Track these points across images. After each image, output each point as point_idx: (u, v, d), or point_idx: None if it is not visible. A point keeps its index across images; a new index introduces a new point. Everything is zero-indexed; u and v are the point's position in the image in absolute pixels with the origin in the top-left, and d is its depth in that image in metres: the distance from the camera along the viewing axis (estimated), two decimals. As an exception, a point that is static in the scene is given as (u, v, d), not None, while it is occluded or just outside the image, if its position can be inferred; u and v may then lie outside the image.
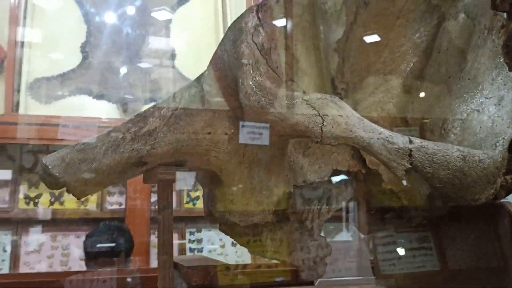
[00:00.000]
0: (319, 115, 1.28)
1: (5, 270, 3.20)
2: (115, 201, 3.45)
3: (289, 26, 1.41)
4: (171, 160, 1.41)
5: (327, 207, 1.60)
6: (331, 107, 1.28)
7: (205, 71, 1.42)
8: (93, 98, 3.34)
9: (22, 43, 3.35)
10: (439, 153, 1.21)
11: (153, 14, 3.58)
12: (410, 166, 1.24)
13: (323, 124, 1.27)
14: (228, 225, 1.51)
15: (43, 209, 3.32)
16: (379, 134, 1.26)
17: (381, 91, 1.56)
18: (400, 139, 1.24)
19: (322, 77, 1.49)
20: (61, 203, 3.37)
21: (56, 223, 3.36)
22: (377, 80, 1.54)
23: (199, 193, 3.60)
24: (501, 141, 1.31)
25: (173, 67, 3.62)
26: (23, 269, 3.21)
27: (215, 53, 1.40)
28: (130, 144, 1.33)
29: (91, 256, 2.54)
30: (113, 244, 2.59)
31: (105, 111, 3.34)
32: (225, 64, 1.36)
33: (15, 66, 3.28)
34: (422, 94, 1.49)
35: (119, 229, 2.60)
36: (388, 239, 1.84)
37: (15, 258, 3.27)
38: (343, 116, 1.27)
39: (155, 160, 1.37)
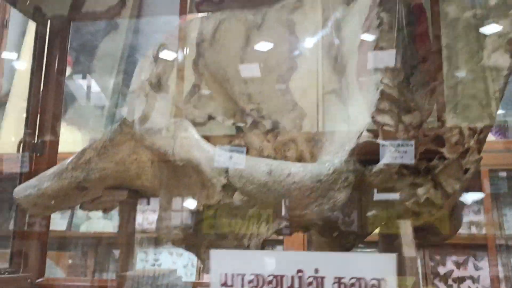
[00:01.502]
0: (172, 138, 1.40)
1: (192, 282, 3.70)
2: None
3: (182, 58, 1.55)
4: (111, 184, 1.69)
5: (267, 225, 1.63)
6: (180, 129, 1.39)
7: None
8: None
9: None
10: (248, 168, 1.21)
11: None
12: (226, 181, 1.26)
13: (174, 147, 1.39)
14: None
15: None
16: (208, 152, 1.31)
17: (299, 107, 1.54)
18: (222, 156, 1.27)
19: (231, 100, 1.57)
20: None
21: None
22: (295, 96, 1.54)
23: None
24: (341, 152, 1.22)
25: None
26: (207, 282, 3.66)
27: (131, 87, 1.64)
28: (70, 172, 1.66)
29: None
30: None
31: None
32: (132, 99, 1.60)
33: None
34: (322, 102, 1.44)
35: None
36: None
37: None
38: (187, 138, 1.36)
39: (93, 185, 1.67)
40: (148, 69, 1.54)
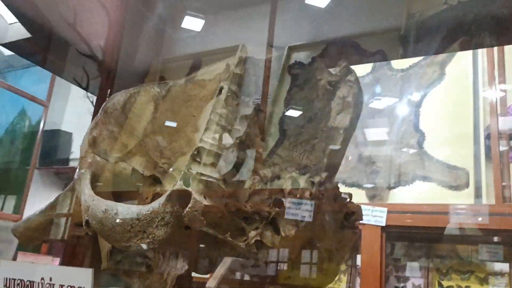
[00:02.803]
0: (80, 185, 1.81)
1: None
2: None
3: (111, 122, 1.97)
4: (77, 222, 2.14)
5: (183, 262, 1.94)
6: (83, 178, 1.80)
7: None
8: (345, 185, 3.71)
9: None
10: (94, 207, 1.57)
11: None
12: (87, 218, 1.62)
13: (80, 193, 1.80)
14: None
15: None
16: (85, 195, 1.69)
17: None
18: (93, 199, 1.65)
19: (147, 155, 1.94)
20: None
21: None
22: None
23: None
24: (163, 196, 1.53)
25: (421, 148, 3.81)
26: None
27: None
28: (49, 211, 2.16)
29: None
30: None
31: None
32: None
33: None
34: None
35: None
36: None
37: None
38: (83, 185, 1.76)
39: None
40: (90, 130, 1.98)
